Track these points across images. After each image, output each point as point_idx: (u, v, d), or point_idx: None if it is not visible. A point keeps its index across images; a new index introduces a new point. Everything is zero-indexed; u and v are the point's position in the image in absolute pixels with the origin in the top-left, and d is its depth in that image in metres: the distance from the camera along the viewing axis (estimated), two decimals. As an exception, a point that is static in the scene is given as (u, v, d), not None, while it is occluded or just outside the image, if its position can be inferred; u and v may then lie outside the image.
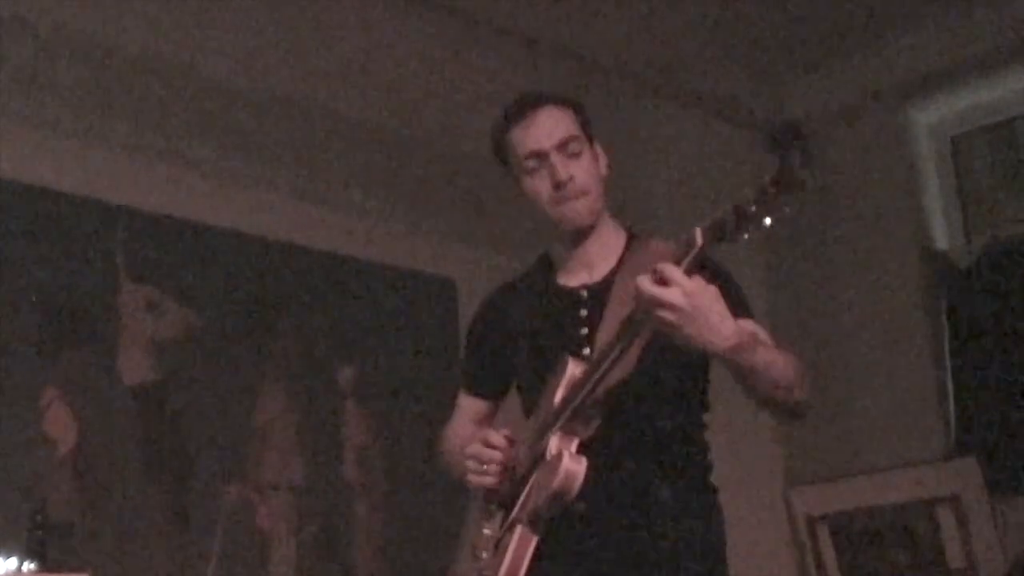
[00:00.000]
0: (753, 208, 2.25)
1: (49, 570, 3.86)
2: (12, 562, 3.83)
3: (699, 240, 2.33)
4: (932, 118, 6.01)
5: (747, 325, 2.52)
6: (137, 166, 4.98)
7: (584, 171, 2.72)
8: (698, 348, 2.39)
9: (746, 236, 2.28)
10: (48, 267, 4.73)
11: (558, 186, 2.70)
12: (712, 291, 2.38)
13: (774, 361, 2.50)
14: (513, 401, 2.98)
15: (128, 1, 4.73)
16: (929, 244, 5.83)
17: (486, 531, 2.72)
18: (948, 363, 5.64)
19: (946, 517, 5.19)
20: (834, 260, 5.98)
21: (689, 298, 2.33)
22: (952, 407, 5.59)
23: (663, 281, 2.34)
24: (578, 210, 2.73)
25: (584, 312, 2.73)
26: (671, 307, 2.32)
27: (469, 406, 3.02)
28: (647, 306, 2.35)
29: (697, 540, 2.65)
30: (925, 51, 5.66)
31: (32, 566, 3.84)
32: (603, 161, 2.80)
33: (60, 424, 4.63)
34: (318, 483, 5.32)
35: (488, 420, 2.99)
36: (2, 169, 4.62)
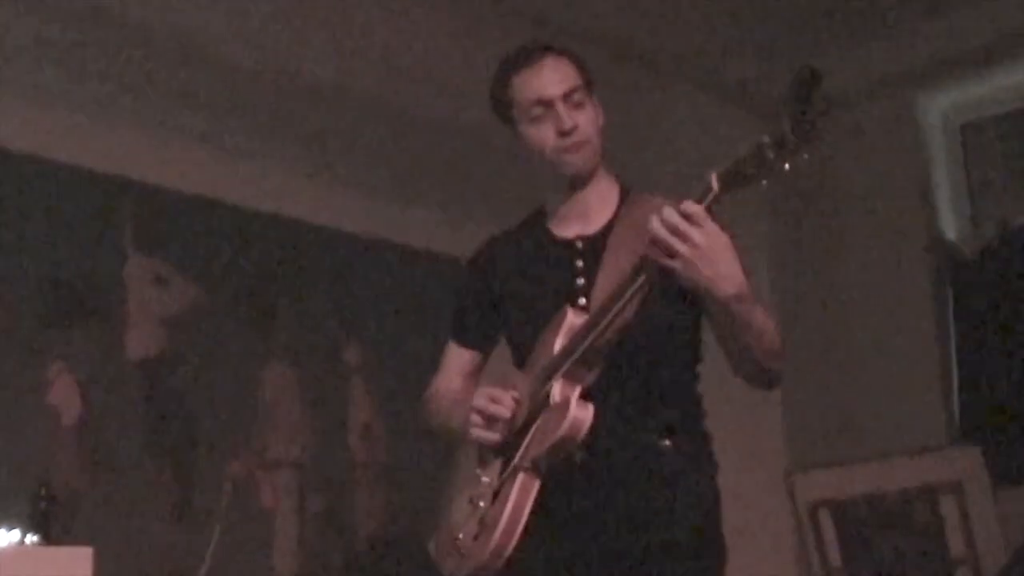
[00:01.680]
0: (771, 154, 2.26)
1: (52, 543, 3.86)
2: (15, 534, 3.82)
3: (715, 185, 2.36)
4: (942, 106, 5.99)
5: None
6: (146, 140, 4.97)
7: (588, 120, 2.74)
8: (705, 289, 2.43)
9: (764, 183, 2.30)
10: (55, 240, 4.73)
11: (563, 134, 2.71)
12: (727, 237, 2.42)
13: (765, 323, 2.55)
14: (498, 356, 2.97)
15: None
16: (937, 232, 5.83)
17: (484, 479, 2.70)
18: (953, 351, 5.64)
19: (948, 505, 5.19)
20: (841, 246, 5.97)
21: (707, 238, 2.37)
22: (956, 395, 5.59)
23: (685, 216, 2.37)
24: (581, 157, 2.74)
25: (580, 263, 2.74)
26: (691, 243, 2.37)
27: (458, 357, 2.99)
28: (668, 237, 2.38)
29: (697, 490, 2.67)
30: (936, 39, 5.64)
31: (35, 539, 3.84)
32: (601, 114, 2.81)
33: (65, 397, 4.64)
34: (322, 460, 5.33)
35: (477, 372, 2.97)
36: (9, 141, 4.62)
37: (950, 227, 5.87)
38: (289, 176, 5.39)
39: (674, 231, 2.37)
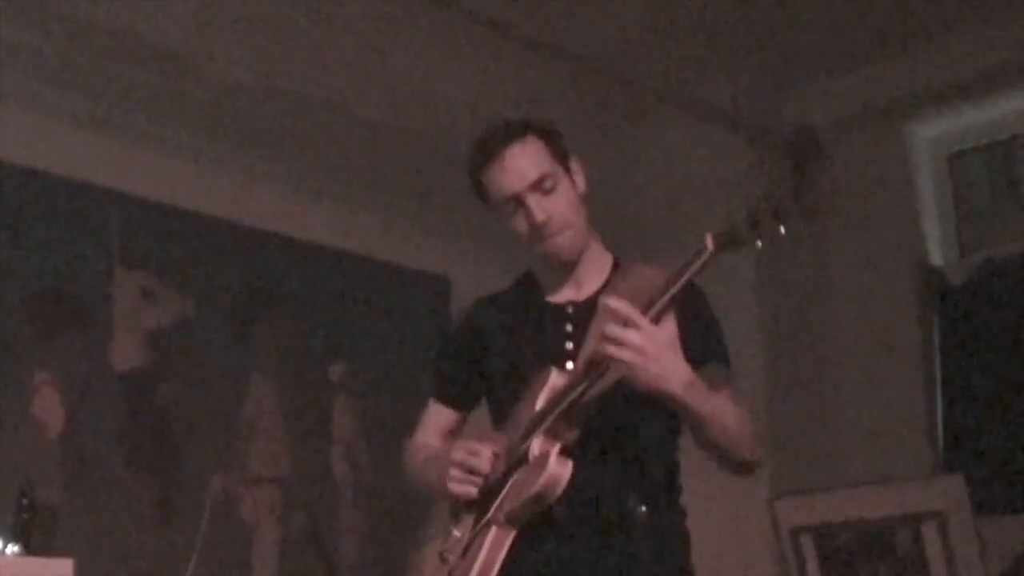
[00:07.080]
0: (768, 219, 2.27)
1: (32, 554, 3.85)
2: (-5, 544, 3.81)
3: (711, 246, 2.35)
4: (931, 134, 6.01)
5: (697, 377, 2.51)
6: (134, 153, 4.97)
7: (563, 205, 2.70)
8: (654, 390, 2.42)
9: (759, 245, 2.30)
10: (42, 251, 4.73)
11: (536, 228, 2.68)
12: (670, 333, 2.41)
13: (724, 412, 2.53)
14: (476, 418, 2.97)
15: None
16: (924, 259, 5.83)
17: (455, 533, 2.68)
18: (938, 379, 5.65)
19: (930, 534, 5.18)
20: (828, 272, 5.98)
21: (649, 342, 2.37)
22: (940, 423, 5.59)
23: (626, 323, 2.38)
24: (561, 245, 2.72)
25: (570, 327, 2.73)
26: (632, 348, 2.37)
27: (437, 415, 2.98)
28: (608, 346, 2.39)
29: (669, 565, 2.64)
30: (926, 68, 5.66)
31: (15, 549, 3.82)
32: (581, 180, 2.77)
33: (49, 408, 4.63)
34: (304, 476, 5.32)
35: (456, 432, 2.96)
36: (-1, 152, 4.62)
37: (937, 254, 5.89)
38: (277, 192, 5.39)
39: (614, 340, 2.38)
